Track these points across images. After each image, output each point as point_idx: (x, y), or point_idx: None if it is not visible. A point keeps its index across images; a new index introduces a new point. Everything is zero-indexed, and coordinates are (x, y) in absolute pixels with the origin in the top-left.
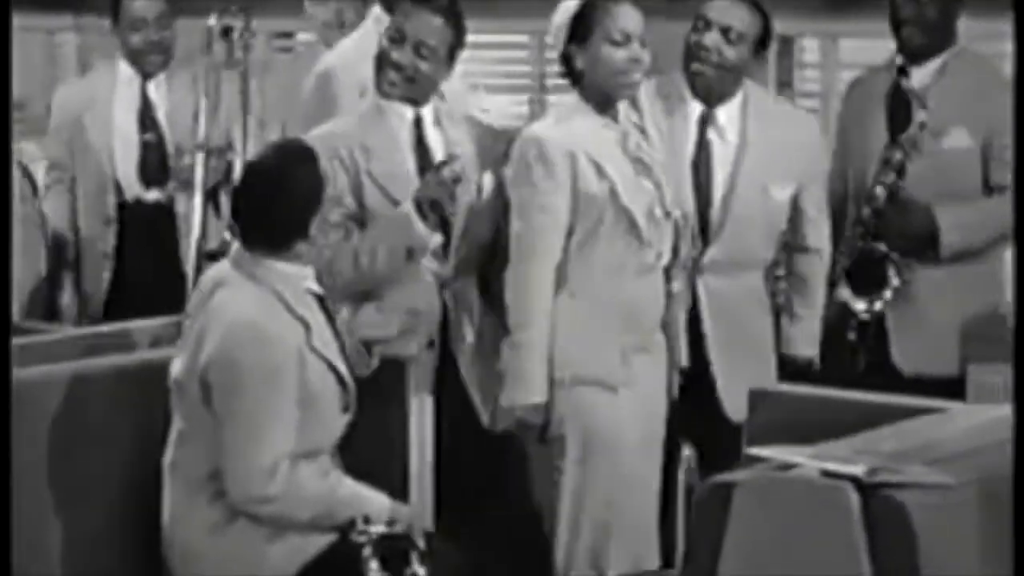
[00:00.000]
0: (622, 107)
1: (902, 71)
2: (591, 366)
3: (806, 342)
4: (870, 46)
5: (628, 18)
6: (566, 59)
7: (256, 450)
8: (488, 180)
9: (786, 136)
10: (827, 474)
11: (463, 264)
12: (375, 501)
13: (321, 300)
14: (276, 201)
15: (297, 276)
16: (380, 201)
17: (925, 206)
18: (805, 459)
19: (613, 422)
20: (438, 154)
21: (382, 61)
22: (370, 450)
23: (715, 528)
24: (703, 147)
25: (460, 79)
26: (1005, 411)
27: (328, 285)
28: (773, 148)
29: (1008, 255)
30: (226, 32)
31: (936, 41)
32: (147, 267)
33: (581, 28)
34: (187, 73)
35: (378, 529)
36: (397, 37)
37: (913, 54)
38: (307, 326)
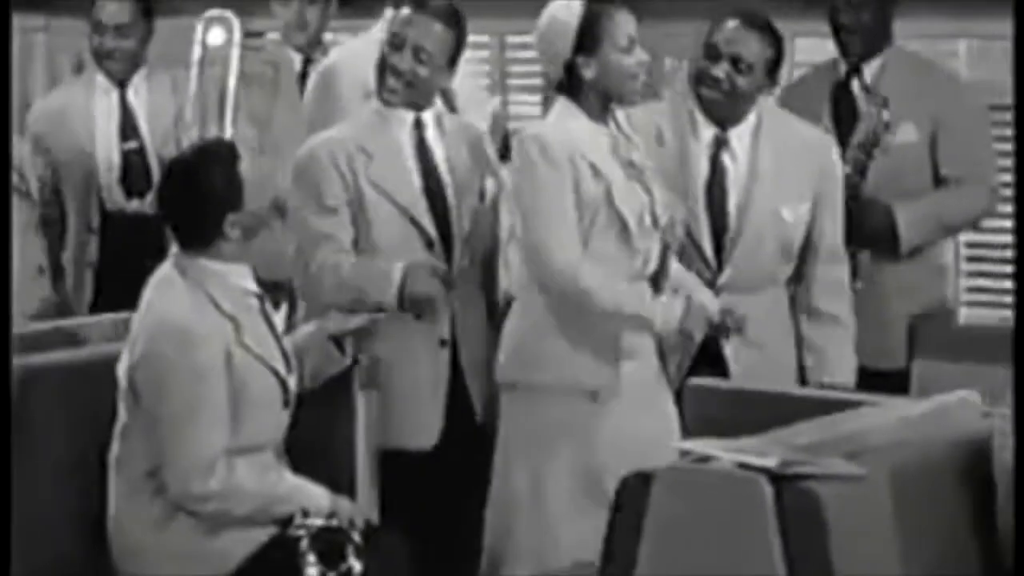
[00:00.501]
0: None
1: (856, 71)
2: (576, 369)
3: (834, 370)
4: (824, 45)
5: (630, 23)
6: (569, 69)
7: (191, 448)
8: (491, 184)
9: (799, 156)
10: (742, 466)
11: (468, 267)
12: (315, 495)
13: (259, 298)
14: (188, 200)
15: (229, 274)
16: (382, 206)
17: (885, 205)
18: (721, 452)
19: (598, 427)
20: (439, 157)
21: (383, 67)
22: (317, 446)
23: (635, 518)
24: (717, 170)
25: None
26: (930, 405)
27: (311, 295)
28: (785, 169)
29: (951, 249)
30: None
31: (874, 43)
32: (130, 277)
33: (588, 38)
34: (166, 75)
35: (315, 523)
36: (397, 43)
37: (854, 57)
38: (237, 324)
